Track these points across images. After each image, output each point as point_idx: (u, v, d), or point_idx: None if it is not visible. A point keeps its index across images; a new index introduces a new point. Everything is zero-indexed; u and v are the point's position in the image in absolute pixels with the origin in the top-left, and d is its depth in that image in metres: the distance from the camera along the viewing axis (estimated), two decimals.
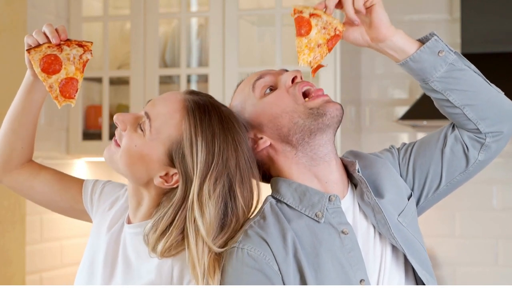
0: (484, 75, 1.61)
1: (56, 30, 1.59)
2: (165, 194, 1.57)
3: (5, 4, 2.87)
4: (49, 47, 1.58)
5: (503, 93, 1.62)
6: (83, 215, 1.78)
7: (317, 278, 1.47)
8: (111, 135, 3.10)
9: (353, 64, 3.34)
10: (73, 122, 3.24)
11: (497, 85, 1.62)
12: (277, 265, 1.47)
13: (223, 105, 1.59)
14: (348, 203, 1.57)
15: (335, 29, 1.54)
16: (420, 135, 3.31)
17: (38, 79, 1.62)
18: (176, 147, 1.52)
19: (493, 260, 3.30)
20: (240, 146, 1.54)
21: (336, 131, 1.58)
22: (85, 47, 1.60)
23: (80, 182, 1.78)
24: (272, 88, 1.58)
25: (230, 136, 1.53)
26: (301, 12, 1.54)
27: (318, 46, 1.54)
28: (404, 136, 3.40)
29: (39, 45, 1.58)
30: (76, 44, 1.59)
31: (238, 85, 1.67)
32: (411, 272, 1.57)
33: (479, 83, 1.59)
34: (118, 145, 1.58)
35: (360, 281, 1.49)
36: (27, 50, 1.58)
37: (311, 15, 1.54)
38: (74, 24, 3.27)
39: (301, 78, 1.59)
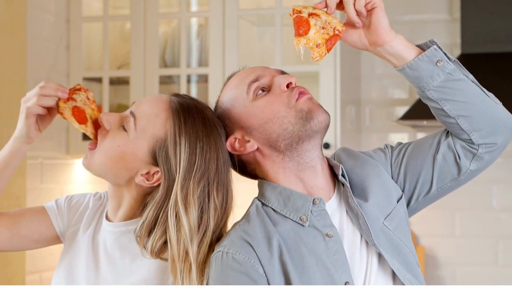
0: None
1: (57, 86, 1.58)
2: (148, 194, 1.58)
3: (5, 4, 2.87)
4: (64, 102, 1.59)
5: (501, 103, 1.60)
6: (55, 241, 1.74)
7: (302, 281, 1.48)
8: None
9: (353, 64, 3.33)
10: None
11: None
12: (262, 267, 1.47)
13: (207, 108, 1.61)
14: (334, 205, 1.57)
15: (334, 28, 1.52)
16: (420, 135, 3.31)
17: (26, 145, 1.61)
18: (160, 145, 1.55)
19: (493, 260, 3.30)
20: (221, 150, 1.57)
21: (323, 136, 1.57)
22: (81, 88, 1.62)
23: (41, 209, 1.72)
24: (265, 89, 1.58)
25: (212, 139, 1.56)
26: (300, 12, 1.53)
27: (317, 46, 1.53)
28: (404, 136, 3.40)
29: (57, 105, 1.58)
30: (77, 90, 1.61)
31: (228, 79, 1.67)
32: None
33: (476, 94, 1.56)
34: (93, 149, 1.59)
35: (345, 283, 1.49)
36: (59, 113, 1.57)
37: (310, 14, 1.53)
38: (74, 24, 3.27)
39: (296, 84, 1.58)
